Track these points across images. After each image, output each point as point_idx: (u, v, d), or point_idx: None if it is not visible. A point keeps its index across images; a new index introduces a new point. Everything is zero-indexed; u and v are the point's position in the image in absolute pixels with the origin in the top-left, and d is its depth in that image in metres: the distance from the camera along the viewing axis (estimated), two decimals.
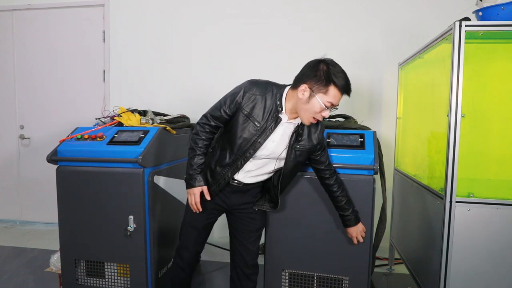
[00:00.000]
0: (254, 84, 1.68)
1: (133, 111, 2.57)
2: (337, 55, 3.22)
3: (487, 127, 1.86)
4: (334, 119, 2.49)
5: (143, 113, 2.56)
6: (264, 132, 1.65)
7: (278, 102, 1.64)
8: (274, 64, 3.34)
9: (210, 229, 1.95)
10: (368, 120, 3.16)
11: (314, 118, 1.62)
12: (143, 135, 2.21)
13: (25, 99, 3.87)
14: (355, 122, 2.39)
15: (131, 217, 2.12)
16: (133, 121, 2.44)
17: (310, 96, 1.56)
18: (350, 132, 2.14)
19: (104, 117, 2.54)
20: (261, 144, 1.67)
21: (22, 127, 3.90)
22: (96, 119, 2.56)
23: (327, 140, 2.07)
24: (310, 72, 1.58)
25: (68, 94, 3.78)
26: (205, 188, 1.74)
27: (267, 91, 1.65)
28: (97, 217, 2.18)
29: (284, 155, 1.73)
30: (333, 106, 1.59)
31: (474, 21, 1.72)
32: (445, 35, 1.78)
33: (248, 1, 3.37)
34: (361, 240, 1.89)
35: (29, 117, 3.88)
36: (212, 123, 1.72)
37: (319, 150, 1.79)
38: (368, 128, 2.22)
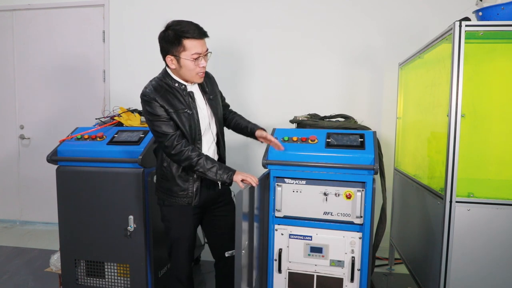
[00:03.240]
0: (149, 91, 1.75)
1: (133, 111, 2.57)
2: (337, 55, 3.26)
3: (487, 127, 1.86)
4: (334, 119, 2.49)
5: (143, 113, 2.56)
6: (193, 110, 1.78)
7: (177, 85, 1.77)
8: (276, 67, 3.34)
9: (195, 236, 1.98)
10: (368, 120, 3.15)
11: (197, 74, 1.74)
12: (143, 135, 2.21)
13: (25, 99, 3.87)
14: (355, 122, 2.39)
15: (131, 217, 2.12)
16: (133, 121, 2.44)
17: (178, 61, 1.70)
18: (350, 132, 2.15)
19: (104, 117, 2.54)
20: (199, 120, 1.80)
21: (22, 127, 3.90)
22: (96, 119, 2.56)
23: (327, 140, 2.07)
24: (164, 44, 1.71)
25: (68, 94, 3.78)
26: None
27: (161, 86, 1.76)
28: (97, 217, 2.18)
29: (210, 111, 1.88)
30: (201, 54, 1.70)
31: (474, 21, 1.72)
32: (445, 35, 1.78)
33: (246, 7, 3.37)
34: (273, 139, 1.90)
35: (29, 117, 3.88)
36: (174, 132, 1.72)
37: (221, 96, 2.03)
38: (368, 128, 2.22)
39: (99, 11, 3.65)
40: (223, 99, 2.06)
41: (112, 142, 2.20)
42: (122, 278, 2.21)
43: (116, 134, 2.26)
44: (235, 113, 2.11)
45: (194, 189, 1.82)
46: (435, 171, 1.94)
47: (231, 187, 2.03)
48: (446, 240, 1.72)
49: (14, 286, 2.60)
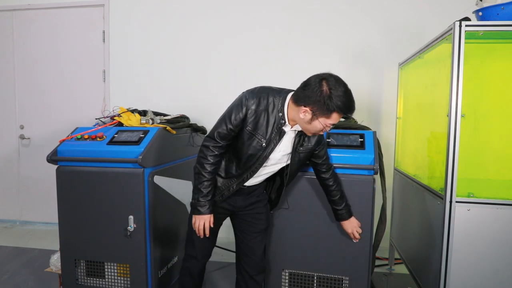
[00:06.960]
0: (253, 96, 1.62)
1: (133, 111, 2.57)
2: (337, 55, 3.26)
3: (487, 127, 1.86)
4: None
5: (143, 113, 2.56)
6: (269, 146, 1.65)
7: (281, 114, 1.61)
8: (275, 67, 3.35)
9: (217, 234, 1.93)
10: (368, 120, 3.16)
11: (315, 133, 1.61)
12: (143, 135, 2.21)
13: (25, 99, 3.87)
14: (355, 122, 2.39)
15: (131, 217, 2.12)
16: (133, 121, 2.44)
17: (312, 119, 1.53)
18: (350, 132, 2.15)
19: (104, 117, 2.54)
20: (267, 157, 1.68)
21: (22, 127, 3.90)
22: (96, 119, 2.56)
23: (327, 140, 2.07)
24: (312, 95, 1.50)
25: (68, 94, 3.78)
26: (212, 217, 1.71)
27: (268, 104, 1.61)
28: (97, 217, 2.18)
29: (287, 157, 1.75)
30: (334, 124, 1.57)
31: (474, 21, 1.72)
32: (445, 35, 1.78)
33: (247, 8, 3.37)
34: (358, 236, 1.89)
35: (29, 117, 3.88)
36: (221, 143, 1.64)
37: (320, 146, 1.81)
38: (368, 128, 2.22)
39: (99, 11, 3.65)
40: (320, 148, 1.81)
41: (112, 142, 2.20)
42: (122, 278, 2.21)
43: (116, 134, 2.26)
44: (332, 174, 1.86)
45: (216, 199, 1.76)
46: (435, 171, 1.94)
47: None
48: (446, 240, 1.72)
49: (14, 286, 2.60)
